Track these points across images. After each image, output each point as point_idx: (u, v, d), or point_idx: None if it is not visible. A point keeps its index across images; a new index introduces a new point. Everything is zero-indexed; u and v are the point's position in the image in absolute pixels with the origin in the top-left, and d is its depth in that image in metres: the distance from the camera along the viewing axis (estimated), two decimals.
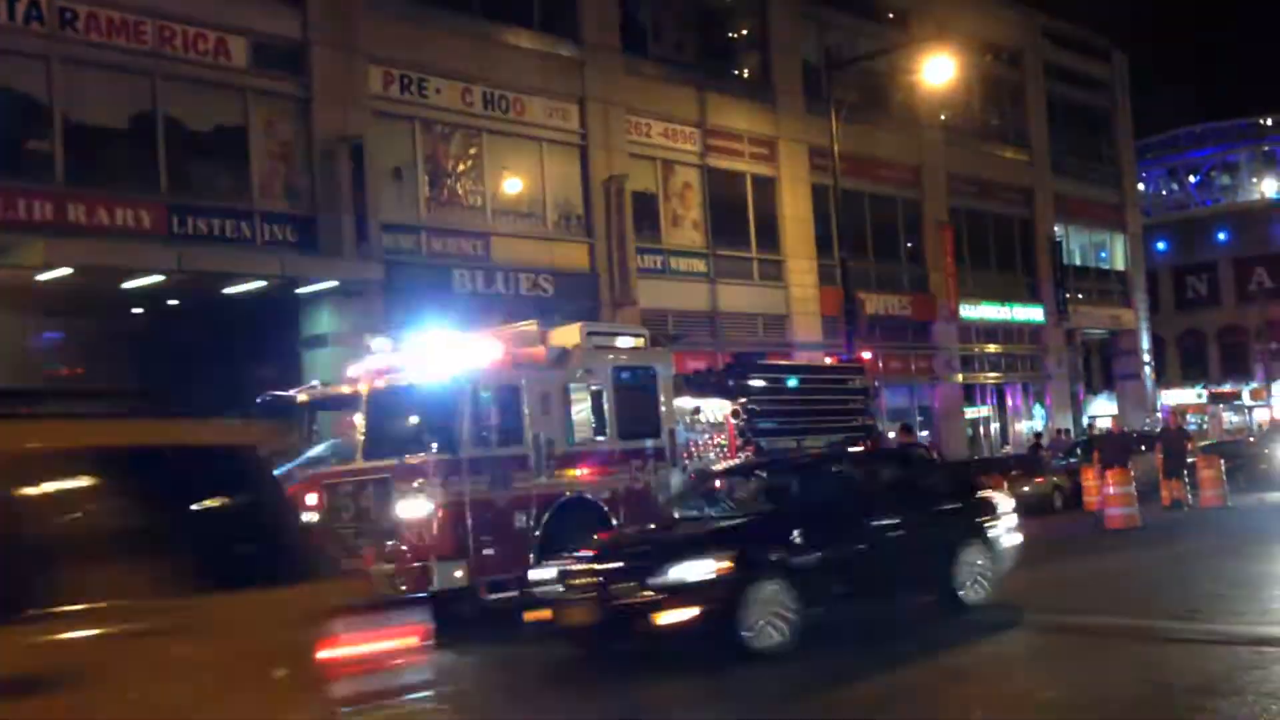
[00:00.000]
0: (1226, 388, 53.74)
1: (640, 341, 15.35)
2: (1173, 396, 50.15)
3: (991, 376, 36.48)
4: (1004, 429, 36.89)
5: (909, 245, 33.50)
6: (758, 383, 17.65)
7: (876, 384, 20.54)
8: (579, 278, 24.30)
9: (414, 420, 12.76)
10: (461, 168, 23.15)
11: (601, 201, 24.69)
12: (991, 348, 36.27)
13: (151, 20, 18.85)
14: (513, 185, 24.07)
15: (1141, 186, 55.46)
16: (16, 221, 17.26)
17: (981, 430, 36.11)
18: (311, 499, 12.92)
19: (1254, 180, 65.23)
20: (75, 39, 18.13)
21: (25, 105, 18.07)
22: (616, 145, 25.29)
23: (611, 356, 14.41)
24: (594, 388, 13.86)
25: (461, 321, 21.71)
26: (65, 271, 16.82)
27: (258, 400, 16.76)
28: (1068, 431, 35.98)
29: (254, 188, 20.06)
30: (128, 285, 17.90)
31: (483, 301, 22.50)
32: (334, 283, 19.70)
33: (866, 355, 23.59)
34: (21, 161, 17.92)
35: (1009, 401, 37.37)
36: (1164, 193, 66.35)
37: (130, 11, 18.62)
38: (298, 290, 19.83)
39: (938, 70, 26.07)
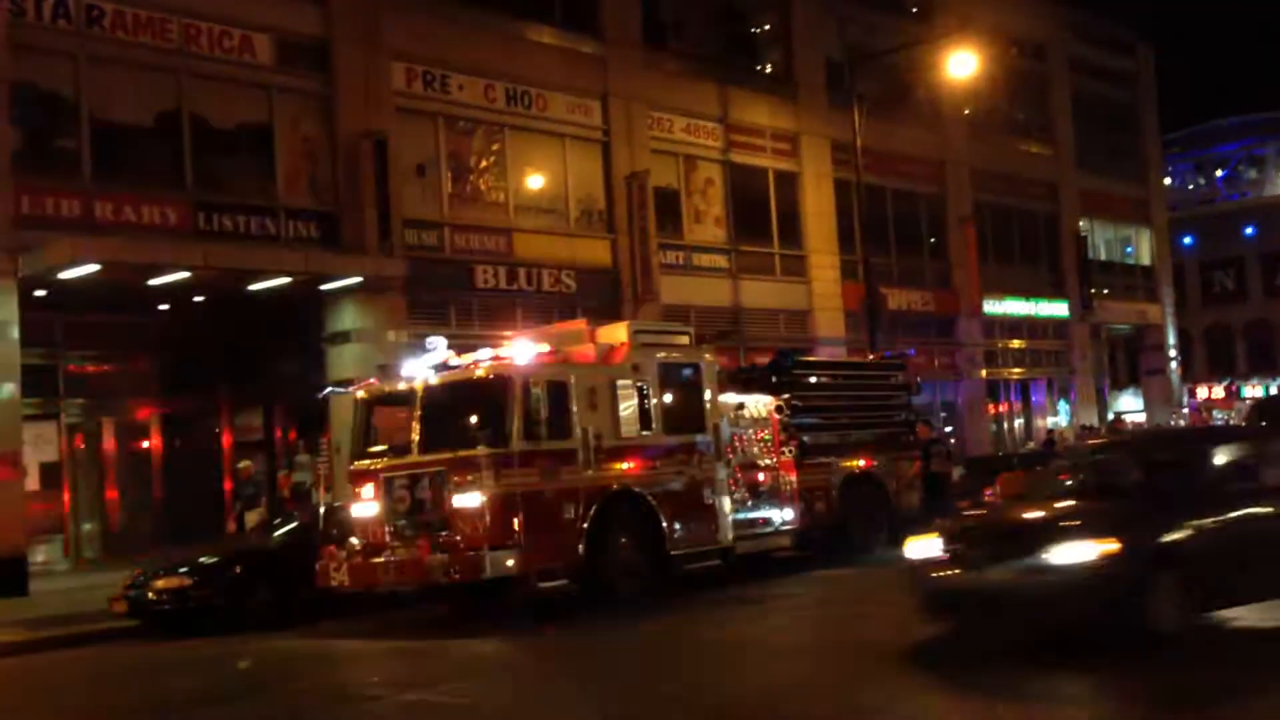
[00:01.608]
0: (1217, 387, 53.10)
1: (686, 339, 15.64)
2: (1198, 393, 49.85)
3: (1016, 372, 36.31)
4: (1028, 425, 36.71)
5: (932, 241, 33.38)
6: (801, 379, 17.80)
7: (918, 380, 20.63)
8: (601, 274, 24.34)
9: (467, 416, 12.98)
10: (484, 164, 23.21)
11: (624, 197, 24.71)
12: (1016, 343, 36.09)
13: (177, 18, 19.00)
14: (535, 181, 24.13)
15: (1168, 180, 55.04)
16: (44, 218, 17.45)
17: (1005, 426, 35.95)
18: (369, 491, 13.31)
19: None
20: (102, 37, 18.30)
21: (52, 103, 18.26)
22: (638, 141, 25.30)
23: (659, 354, 14.66)
24: (640, 384, 14.13)
25: (485, 318, 22.00)
26: (92, 268, 16.96)
27: (318, 395, 17.05)
28: (1093, 427, 35.76)
29: (279, 184, 20.19)
30: (154, 282, 18.03)
31: (505, 297, 22.59)
32: (358, 279, 19.78)
33: (912, 352, 23.59)
34: (49, 159, 18.12)
35: (1033, 398, 37.19)
36: (1190, 187, 65.86)
37: (156, 9, 18.78)
38: (322, 287, 19.93)
39: (961, 64, 25.94)
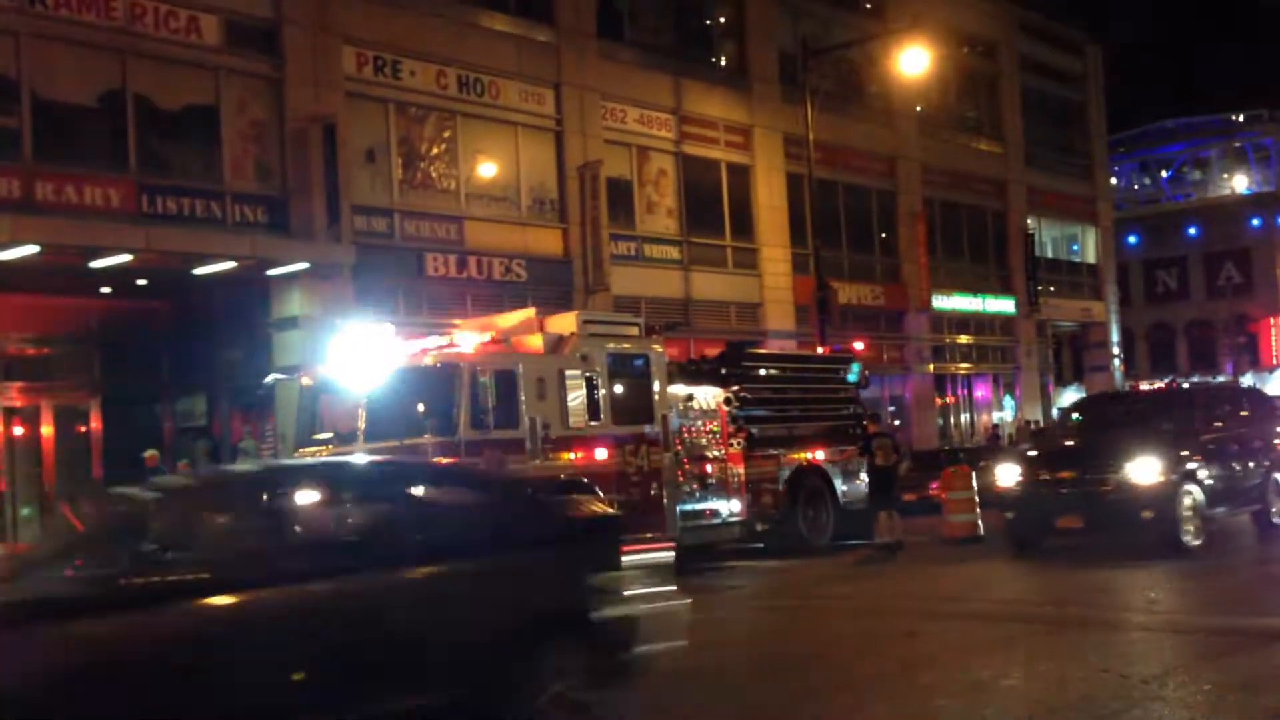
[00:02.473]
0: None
1: (635, 330, 15.65)
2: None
3: (963, 367, 36.67)
4: (973, 420, 37.10)
5: (883, 235, 33.60)
6: (750, 371, 17.86)
7: (866, 374, 20.81)
8: (552, 263, 24.26)
9: (414, 404, 12.91)
10: (435, 151, 23.03)
11: (576, 187, 24.63)
12: (963, 339, 36.45)
13: None
14: (487, 169, 23.98)
15: (1114, 180, 55.85)
16: None
17: (951, 421, 36.30)
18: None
19: (1225, 176, 65.85)
20: (44, 14, 17.90)
21: None
22: (592, 131, 25.23)
23: (607, 344, 14.65)
24: (589, 374, 14.12)
25: (434, 306, 21.87)
26: (32, 249, 16.64)
27: (263, 382, 16.81)
28: (1037, 423, 36.18)
29: (225, 168, 19.90)
30: (96, 264, 17.73)
31: (455, 286, 22.45)
32: (305, 265, 19.56)
33: (859, 346, 23.78)
34: None
35: (979, 392, 37.57)
36: (1136, 187, 66.89)
37: None
38: (268, 272, 19.68)
39: (913, 61, 26.11)
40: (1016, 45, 39.13)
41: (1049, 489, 14.52)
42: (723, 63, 29.44)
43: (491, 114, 23.78)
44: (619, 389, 14.65)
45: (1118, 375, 44.07)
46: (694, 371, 17.54)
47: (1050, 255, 41.23)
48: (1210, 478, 14.53)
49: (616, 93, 25.96)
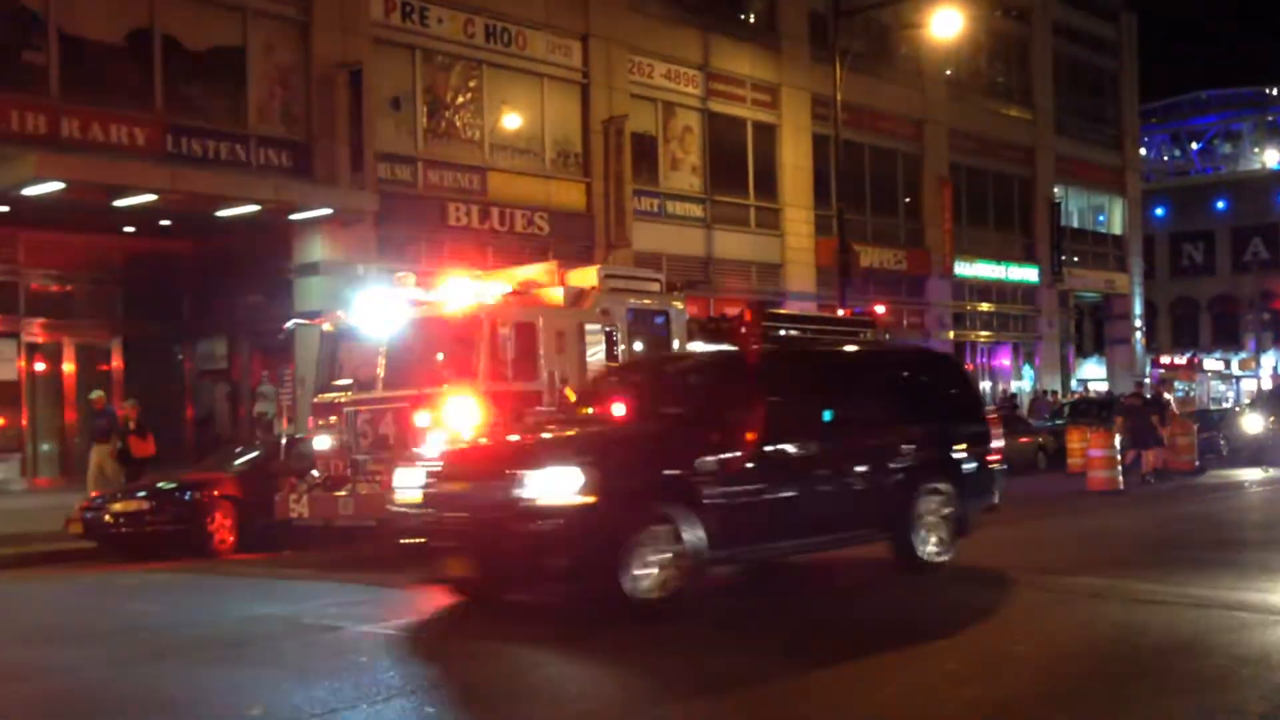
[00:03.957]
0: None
1: (656, 286, 15.59)
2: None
3: (983, 335, 36.53)
4: (992, 388, 36.99)
5: (907, 200, 33.38)
6: (770, 331, 17.77)
7: (887, 337, 20.72)
8: (574, 217, 24.19)
9: (434, 353, 12.98)
10: (460, 100, 22.93)
11: (600, 141, 24.52)
12: (984, 306, 36.29)
13: None
14: (511, 121, 23.88)
15: (1143, 151, 55.29)
16: (9, 133, 17.12)
17: None
18: (332, 424, 13.30)
19: (1256, 150, 65.10)
20: None
21: (20, 15, 17.85)
22: (618, 85, 25.06)
23: (628, 299, 14.61)
24: (609, 329, 14.06)
25: (456, 257, 21.82)
26: (57, 186, 16.67)
27: (284, 327, 16.85)
28: (1055, 393, 36.09)
29: (250, 111, 19.88)
30: (120, 203, 17.76)
31: (476, 236, 22.42)
32: (328, 210, 19.56)
33: (880, 309, 23.66)
34: (15, 72, 17.72)
35: (998, 361, 37.45)
36: (1165, 158, 66.22)
37: None
38: (291, 216, 19.69)
39: (945, 23, 25.83)
40: (1050, 10, 38.64)
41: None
42: (752, 20, 29.16)
43: (518, 64, 23.64)
44: (638, 345, 14.61)
45: (1139, 348, 43.85)
46: (714, 330, 17.46)
47: (1076, 225, 40.91)
48: (741, 497, 9.04)
49: (644, 47, 25.77)
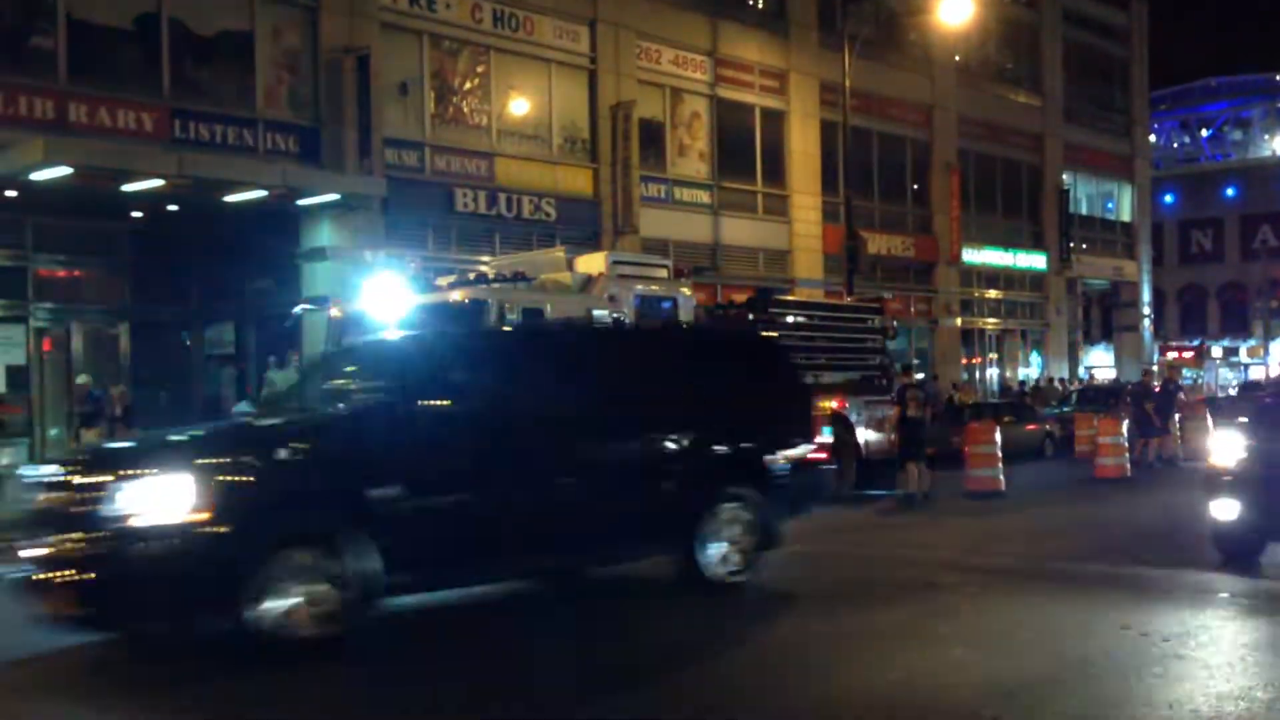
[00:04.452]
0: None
1: (664, 272, 15.60)
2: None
3: (991, 322, 36.45)
4: (1001, 375, 36.94)
5: (915, 186, 33.29)
6: (777, 318, 17.79)
7: (894, 324, 20.74)
8: (581, 203, 24.16)
9: None
10: (468, 85, 22.89)
11: (608, 127, 24.46)
12: (992, 293, 36.20)
13: None
14: (519, 106, 23.83)
15: (1153, 138, 55.03)
16: (17, 118, 17.11)
17: (977, 376, 36.16)
18: None
19: (1266, 137, 64.76)
20: None
21: (28, 1, 17.80)
22: (626, 70, 25.00)
23: (636, 285, 14.61)
24: (617, 315, 14.06)
25: (463, 242, 21.84)
26: (64, 171, 16.66)
27: (291, 312, 16.85)
28: (1064, 380, 36.02)
29: (258, 96, 19.85)
30: (127, 188, 17.74)
31: (484, 222, 22.41)
32: (335, 195, 19.54)
33: (887, 296, 23.70)
34: (23, 57, 17.70)
35: (1006, 348, 37.36)
36: (1175, 145, 65.89)
37: None
38: (299, 202, 19.67)
39: (954, 9, 25.73)
40: None
41: None
42: (761, 5, 29.04)
43: (525, 50, 23.58)
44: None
45: (1147, 336, 43.74)
46: (721, 316, 17.50)
47: (1084, 212, 40.79)
48: (435, 509, 7.61)
49: (652, 32, 25.69)
